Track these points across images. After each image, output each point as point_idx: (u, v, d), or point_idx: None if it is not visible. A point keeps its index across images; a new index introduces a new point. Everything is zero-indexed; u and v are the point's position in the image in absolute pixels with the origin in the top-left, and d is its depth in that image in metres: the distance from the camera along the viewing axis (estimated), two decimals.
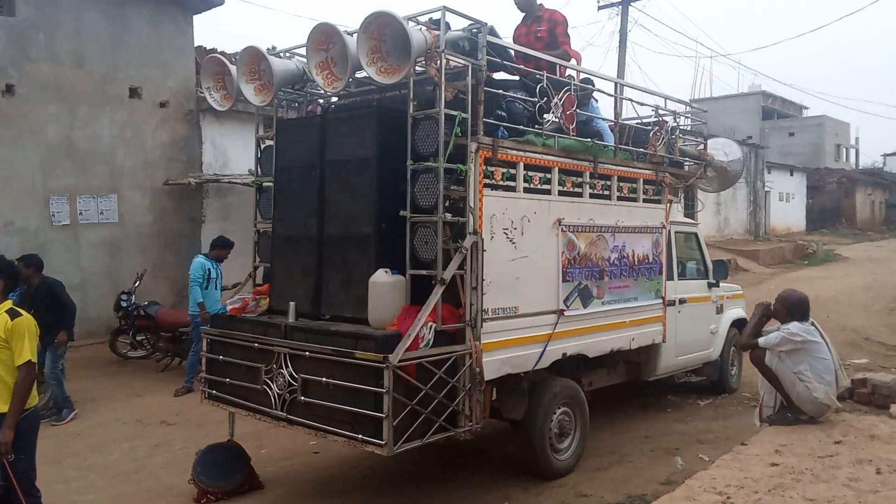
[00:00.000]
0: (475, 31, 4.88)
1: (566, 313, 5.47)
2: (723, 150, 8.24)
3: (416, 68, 4.62)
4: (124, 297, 9.78)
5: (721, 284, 7.98)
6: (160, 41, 12.25)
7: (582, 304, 5.67)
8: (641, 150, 6.52)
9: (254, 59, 5.30)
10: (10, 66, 10.48)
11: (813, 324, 5.29)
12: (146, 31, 12.04)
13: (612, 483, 5.35)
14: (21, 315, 4.01)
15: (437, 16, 4.62)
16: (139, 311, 9.58)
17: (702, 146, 7.79)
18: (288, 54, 5.53)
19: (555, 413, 5.45)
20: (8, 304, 4.08)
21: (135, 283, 10.10)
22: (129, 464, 5.99)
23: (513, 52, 5.56)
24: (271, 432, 6.23)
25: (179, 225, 12.47)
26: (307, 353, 4.56)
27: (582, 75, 6.16)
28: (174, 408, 7.65)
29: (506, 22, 6.36)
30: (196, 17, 12.87)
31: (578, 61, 6.30)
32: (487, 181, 4.87)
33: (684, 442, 6.35)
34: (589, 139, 5.81)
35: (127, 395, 8.33)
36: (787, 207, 33.98)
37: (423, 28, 4.56)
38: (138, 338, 9.83)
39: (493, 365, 4.83)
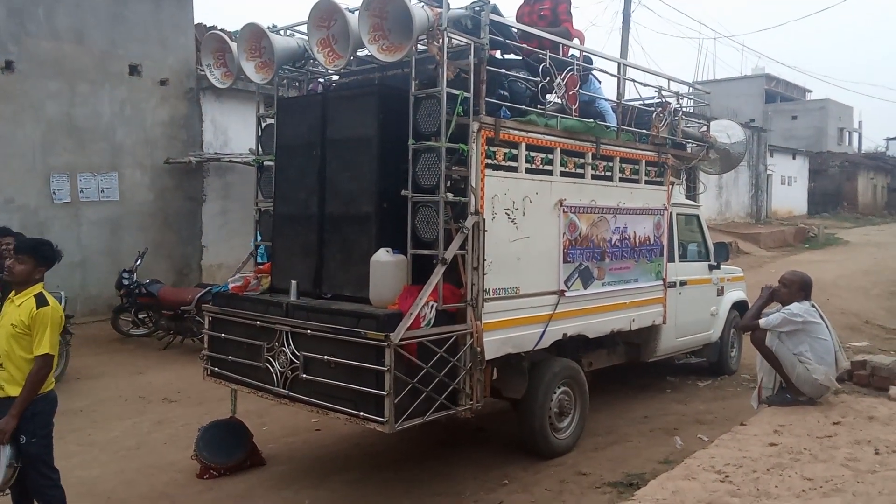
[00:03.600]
0: (477, 9, 4.83)
1: (567, 294, 5.48)
2: (725, 132, 8.21)
3: (418, 46, 4.58)
4: (126, 274, 9.81)
5: (722, 267, 7.98)
6: (160, 18, 12.15)
7: (582, 284, 5.67)
8: (644, 131, 6.50)
9: (254, 37, 5.26)
10: (9, 42, 10.41)
11: (813, 305, 5.31)
12: (146, 7, 11.94)
13: (610, 462, 5.39)
14: (48, 304, 3.89)
15: None
16: (141, 289, 9.60)
17: (704, 128, 7.75)
18: (289, 32, 5.49)
19: (555, 393, 5.48)
20: (38, 287, 3.96)
21: (136, 261, 10.11)
22: (132, 440, 6.04)
23: (515, 31, 5.51)
24: (273, 410, 6.27)
25: (180, 203, 12.46)
26: (309, 331, 4.57)
27: (583, 54, 6.11)
28: (176, 385, 7.69)
29: (508, 1, 6.31)
30: None
31: (581, 41, 6.25)
32: (489, 161, 4.86)
33: (683, 422, 6.39)
34: (591, 120, 5.79)
35: (129, 372, 8.37)
36: (789, 191, 33.90)
37: (425, 6, 4.52)
38: (140, 316, 9.86)
39: (494, 344, 4.85)
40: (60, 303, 7.90)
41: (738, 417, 5.73)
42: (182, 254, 12.54)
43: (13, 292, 4.01)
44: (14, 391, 3.84)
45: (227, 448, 5.30)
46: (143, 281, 9.75)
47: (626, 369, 7.31)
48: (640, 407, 6.93)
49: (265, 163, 5.87)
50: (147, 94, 11.97)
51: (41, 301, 3.88)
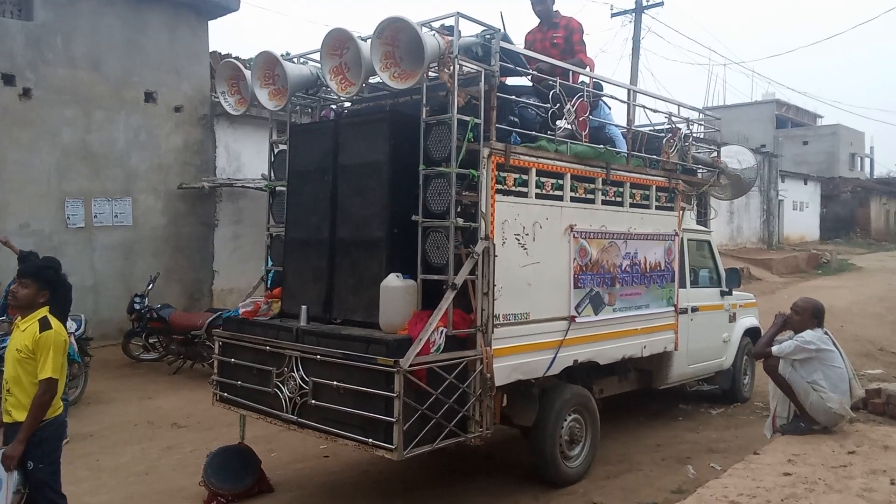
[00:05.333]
0: (488, 36, 4.89)
1: (577, 320, 5.45)
2: (736, 157, 8.21)
3: (429, 74, 4.63)
4: (137, 299, 9.85)
5: (734, 293, 7.93)
6: (176, 46, 12.35)
7: (593, 310, 5.65)
8: (654, 157, 6.51)
9: (268, 64, 5.34)
10: (27, 70, 10.60)
11: (826, 333, 5.25)
12: (162, 35, 12.15)
13: (622, 491, 5.32)
14: (51, 328, 3.86)
15: (450, 22, 4.64)
16: (152, 314, 9.64)
17: (715, 154, 7.76)
18: (302, 59, 5.56)
19: (565, 420, 5.43)
20: (43, 311, 3.93)
21: (148, 285, 10.16)
22: (140, 465, 6.02)
23: (525, 58, 5.56)
24: (282, 436, 6.24)
25: (192, 229, 12.55)
26: (318, 356, 4.57)
27: (593, 81, 6.16)
28: (185, 410, 7.69)
29: (517, 26, 6.38)
30: (211, 23, 12.98)
31: (591, 68, 6.31)
32: (499, 187, 4.87)
33: (695, 451, 6.31)
34: (601, 146, 5.81)
35: (139, 397, 8.38)
36: (801, 216, 33.73)
37: (437, 34, 4.57)
38: (151, 340, 9.88)
39: (504, 371, 4.82)
40: (80, 326, 8.10)
41: (751, 446, 5.64)
42: (194, 278, 12.60)
43: (19, 317, 4.02)
44: (21, 416, 3.82)
45: (236, 474, 5.27)
46: (154, 305, 9.79)
47: (638, 396, 7.24)
48: (652, 435, 6.85)
49: (277, 188, 5.92)
50: (162, 120, 12.13)
51: (44, 325, 3.86)
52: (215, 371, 5.50)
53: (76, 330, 7.85)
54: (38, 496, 3.86)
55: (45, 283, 3.98)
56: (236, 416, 5.51)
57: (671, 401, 7.88)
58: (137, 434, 6.95)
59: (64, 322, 4.07)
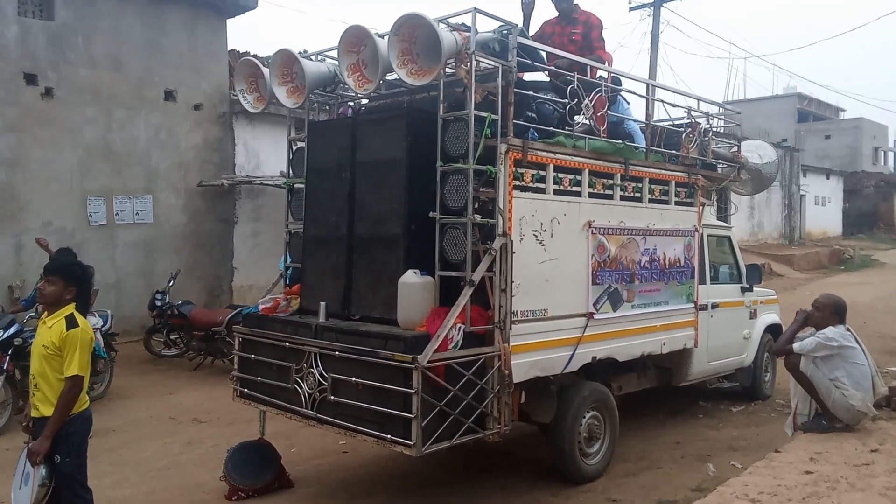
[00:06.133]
0: (505, 32, 4.87)
1: (596, 316, 5.43)
2: (757, 152, 8.12)
3: (446, 70, 4.62)
4: (158, 296, 9.96)
5: (755, 289, 7.85)
6: (195, 45, 12.45)
7: (612, 307, 5.62)
8: (673, 152, 6.46)
9: (286, 62, 5.36)
10: (48, 69, 10.74)
11: (848, 329, 5.19)
12: (181, 34, 12.25)
13: (641, 489, 5.29)
14: (78, 326, 3.90)
15: (467, 18, 4.63)
16: (173, 310, 9.74)
17: (735, 148, 7.68)
18: (319, 57, 5.58)
19: (584, 417, 5.41)
20: (69, 308, 3.97)
21: (169, 282, 10.27)
22: (162, 460, 6.09)
23: (543, 54, 5.54)
24: (301, 431, 6.28)
25: (212, 226, 12.66)
26: (337, 352, 4.59)
27: (612, 76, 6.12)
28: (206, 406, 7.77)
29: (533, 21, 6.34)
30: (229, 21, 13.06)
31: (609, 63, 6.27)
32: (517, 183, 4.86)
33: (716, 448, 6.26)
34: (620, 141, 5.77)
35: (160, 392, 8.48)
36: (823, 211, 33.31)
37: (454, 30, 4.56)
38: (172, 336, 9.99)
39: (522, 367, 4.81)
40: (106, 321, 8.24)
41: (772, 444, 5.59)
42: (214, 275, 12.71)
43: (46, 314, 4.07)
44: (48, 411, 3.87)
45: (256, 470, 5.32)
46: (175, 302, 9.90)
47: (658, 394, 7.20)
48: (671, 432, 6.80)
49: (296, 185, 5.95)
50: (181, 118, 12.24)
51: (71, 323, 3.90)
52: (235, 367, 5.55)
53: (102, 325, 8.00)
54: (65, 490, 3.91)
55: (72, 280, 4.03)
56: (256, 412, 5.56)
57: (691, 398, 7.83)
58: (159, 429, 7.03)
59: (85, 315, 4.11)
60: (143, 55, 11.77)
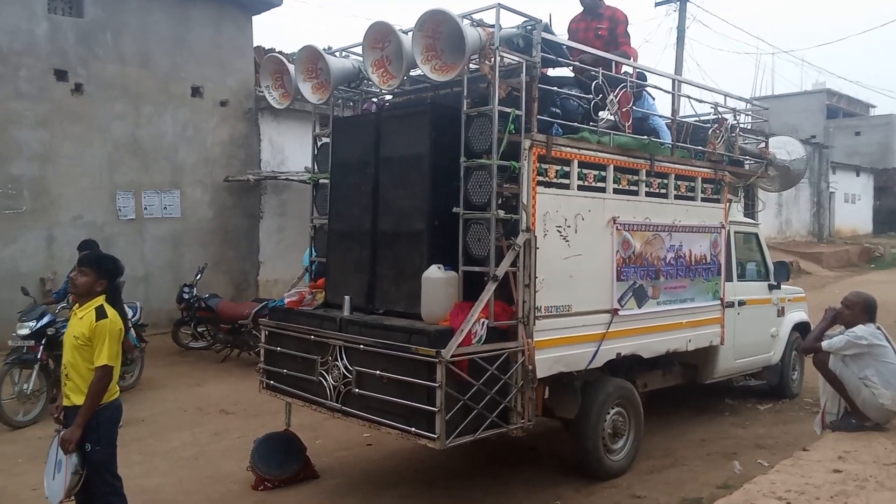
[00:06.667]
0: (529, 27, 4.86)
1: (620, 313, 5.41)
2: (785, 148, 8.01)
3: (470, 66, 4.63)
4: (186, 289, 10.10)
5: (783, 287, 7.76)
6: (221, 41, 12.59)
7: (637, 303, 5.59)
8: (700, 148, 6.40)
9: (311, 58, 5.41)
10: (78, 66, 10.93)
11: (879, 328, 5.11)
12: (208, 31, 12.39)
13: (666, 486, 5.27)
14: (107, 317, 3.97)
15: (491, 13, 4.63)
16: (200, 303, 9.87)
17: (763, 145, 7.59)
18: (343, 53, 5.61)
19: (608, 413, 5.40)
20: (99, 300, 4.04)
21: (196, 275, 10.41)
22: (190, 450, 6.19)
23: (567, 48, 5.52)
24: (326, 423, 6.34)
25: (238, 220, 12.81)
26: (361, 346, 4.63)
27: (637, 71, 6.08)
28: (233, 397, 7.88)
29: (560, 17, 6.32)
30: (255, 18, 13.18)
31: (634, 58, 6.23)
32: (541, 178, 4.86)
33: (742, 446, 6.21)
34: (645, 137, 5.73)
35: (188, 384, 8.62)
36: (853, 209, 32.72)
37: (478, 26, 4.57)
38: (199, 329, 10.13)
39: (546, 363, 4.81)
40: (135, 313, 8.41)
41: (799, 443, 5.54)
42: (240, 269, 12.86)
43: (77, 305, 4.16)
44: (79, 400, 3.95)
45: (282, 460, 5.39)
46: (202, 295, 10.03)
47: (683, 391, 7.15)
48: (697, 430, 6.76)
49: (320, 181, 6.00)
50: (208, 114, 12.39)
51: (100, 314, 3.97)
52: (262, 359, 5.61)
53: (132, 316, 8.16)
54: (96, 478, 3.99)
55: (103, 272, 4.11)
56: (282, 404, 5.63)
57: (717, 396, 7.76)
58: (187, 420, 7.15)
59: (117, 307, 4.19)
60: (170, 52, 11.93)
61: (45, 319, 7.09)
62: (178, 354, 10.15)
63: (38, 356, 6.91)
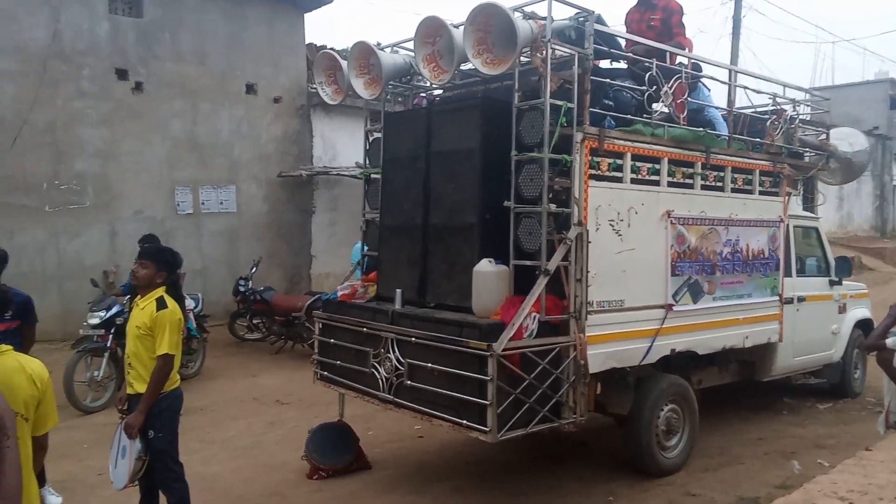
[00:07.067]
0: (582, 19, 4.81)
1: (675, 308, 5.33)
2: (847, 140, 7.74)
3: (522, 59, 4.61)
4: (242, 282, 10.36)
5: (844, 283, 7.51)
6: (274, 39, 12.81)
7: (692, 299, 5.50)
8: (758, 140, 6.24)
9: (364, 54, 5.47)
10: (138, 65, 11.27)
11: None
12: (261, 29, 12.62)
13: (722, 484, 5.18)
14: (167, 307, 4.10)
15: (543, 6, 4.59)
16: (255, 296, 10.11)
17: (824, 136, 7.35)
18: (393, 49, 5.65)
19: (662, 410, 5.33)
20: (160, 291, 4.18)
21: (251, 269, 10.66)
22: (247, 439, 6.36)
23: (622, 41, 5.45)
24: (378, 415, 6.42)
25: (291, 215, 13.04)
26: (413, 338, 4.67)
27: (692, 62, 5.96)
28: (287, 388, 8.05)
29: (612, 9, 6.23)
30: (306, 15, 13.35)
31: (690, 49, 6.11)
32: (593, 172, 4.81)
33: (801, 446, 6.05)
34: (701, 129, 5.62)
35: (244, 374, 8.85)
36: None
37: (530, 18, 4.54)
38: (254, 321, 10.39)
39: (598, 358, 4.77)
40: (198, 303, 8.67)
41: (861, 443, 5.37)
42: (293, 263, 13.10)
43: (139, 296, 4.31)
44: (142, 388, 4.10)
45: (336, 450, 5.48)
46: (257, 288, 10.26)
47: (739, 389, 7.00)
48: (753, 428, 6.61)
49: (372, 175, 6.06)
50: (262, 111, 12.63)
51: (161, 304, 4.11)
52: (315, 351, 5.72)
53: (194, 307, 8.46)
54: (158, 464, 4.14)
55: (162, 264, 4.25)
56: (335, 395, 5.72)
57: (775, 394, 7.58)
58: (243, 409, 7.34)
59: (177, 298, 4.32)
60: (226, 50, 12.19)
61: (114, 310, 7.38)
62: (235, 346, 10.42)
63: (108, 345, 7.21)
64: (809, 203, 10.95)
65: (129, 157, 11.20)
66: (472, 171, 4.92)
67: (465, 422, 4.31)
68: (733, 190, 5.92)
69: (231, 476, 5.44)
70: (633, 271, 5.06)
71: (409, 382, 4.69)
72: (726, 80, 6.29)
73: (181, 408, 4.31)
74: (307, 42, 13.51)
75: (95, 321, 7.34)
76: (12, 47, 10.11)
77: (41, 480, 4.31)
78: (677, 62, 5.78)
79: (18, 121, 10.12)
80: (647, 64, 5.19)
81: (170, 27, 11.59)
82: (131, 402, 4.19)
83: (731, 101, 6.20)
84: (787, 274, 6.58)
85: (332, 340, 5.47)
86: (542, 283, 4.48)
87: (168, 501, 4.22)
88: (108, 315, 7.31)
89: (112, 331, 7.26)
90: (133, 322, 4.22)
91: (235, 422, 6.87)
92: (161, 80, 11.48)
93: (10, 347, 2.47)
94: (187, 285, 9.04)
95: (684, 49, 5.93)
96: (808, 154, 7.13)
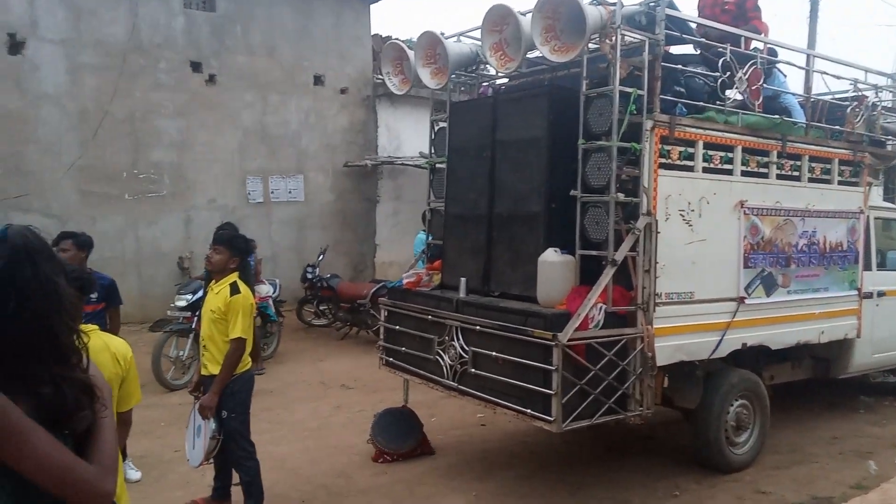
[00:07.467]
0: (652, 4, 4.71)
1: (747, 301, 5.18)
2: None
3: (590, 45, 4.54)
4: (309, 269, 10.61)
5: None
6: (341, 31, 12.99)
7: (765, 292, 5.34)
8: (837, 127, 5.99)
9: (430, 44, 5.49)
10: (211, 58, 11.63)
11: None
12: (329, 21, 12.82)
13: (794, 483, 5.03)
14: (240, 292, 4.24)
15: None
16: (322, 283, 10.34)
17: None
18: (457, 38, 5.65)
19: (732, 405, 5.21)
20: (233, 277, 4.32)
21: (319, 256, 10.90)
22: (314, 421, 6.53)
23: (694, 25, 5.30)
24: (441, 402, 6.49)
25: (357, 204, 13.25)
26: (478, 327, 4.70)
27: (767, 46, 5.75)
28: (352, 373, 8.21)
29: None
30: (372, 7, 13.48)
31: (766, 33, 5.90)
32: (663, 160, 4.71)
33: (878, 446, 5.82)
34: (777, 116, 5.43)
35: (311, 359, 9.08)
36: None
37: (599, 4, 4.47)
38: (321, 307, 10.63)
39: (666, 351, 4.69)
40: (275, 289, 8.97)
41: None
42: (358, 251, 13.33)
43: (213, 281, 4.47)
44: (215, 370, 4.27)
45: (400, 435, 5.57)
46: (324, 275, 10.49)
47: (813, 386, 6.76)
48: (827, 427, 6.38)
49: (437, 165, 6.09)
50: (329, 102, 12.85)
51: (234, 290, 4.25)
52: (381, 337, 5.81)
53: (272, 293, 8.77)
54: (231, 443, 4.31)
55: (235, 250, 4.40)
56: (399, 381, 5.81)
57: (851, 392, 7.29)
58: (311, 393, 7.53)
59: (250, 284, 4.46)
60: (294, 42, 12.44)
61: (200, 293, 7.69)
62: (302, 331, 10.69)
63: (193, 326, 7.52)
64: (891, 194, 10.44)
65: (203, 148, 11.58)
66: (538, 160, 4.89)
67: (529, 411, 4.31)
68: (810, 180, 5.70)
69: (300, 456, 5.60)
70: (703, 263, 4.94)
71: (473, 370, 4.72)
72: (804, 65, 6.05)
73: (252, 389, 4.46)
74: (373, 33, 13.65)
75: (182, 303, 7.74)
76: (94, 42, 10.58)
77: (123, 455, 4.53)
78: (752, 47, 5.59)
79: (100, 112, 10.59)
80: (720, 49, 5.04)
81: (241, 21, 11.90)
82: (205, 383, 4.36)
83: (808, 88, 5.96)
84: (867, 267, 6.30)
85: (397, 327, 5.55)
86: (608, 273, 4.42)
87: (240, 479, 4.39)
88: (194, 298, 7.63)
89: (197, 313, 7.56)
90: (208, 306, 4.38)
91: (303, 404, 7.07)
92: (232, 72, 11.81)
93: (95, 327, 2.61)
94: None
95: (760, 33, 5.73)
96: (890, 142, 6.79)
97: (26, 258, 1.34)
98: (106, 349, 2.58)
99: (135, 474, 5.08)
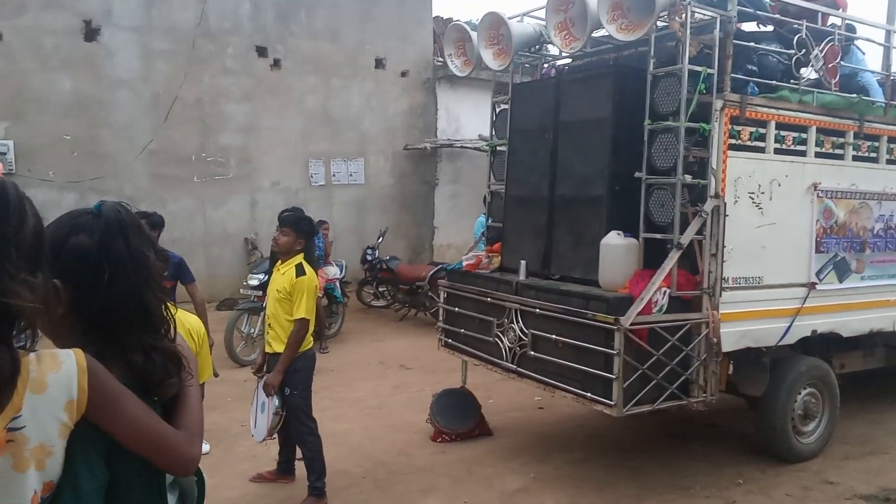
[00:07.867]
0: None
1: (818, 287, 5.02)
2: None
3: (658, 23, 4.44)
4: (369, 251, 10.76)
5: None
6: (402, 14, 13.01)
7: (837, 277, 5.16)
8: None
9: (493, 25, 5.45)
10: (277, 42, 11.82)
11: None
12: (390, 4, 12.85)
13: (864, 474, 4.87)
14: (305, 274, 4.34)
15: None
16: (382, 265, 10.46)
17: None
18: (519, 18, 5.58)
19: (799, 394, 5.06)
20: (299, 258, 4.42)
21: (378, 238, 11.03)
22: (374, 400, 6.65)
23: (768, 1, 5.11)
24: (498, 384, 6.51)
25: (416, 187, 13.32)
26: (538, 310, 4.68)
27: (845, 22, 5.50)
28: (411, 354, 8.32)
29: None
30: None
31: (844, 8, 5.64)
32: (733, 141, 4.58)
33: None
34: (854, 95, 5.20)
35: (371, 339, 9.24)
36: None
37: None
38: (380, 289, 10.77)
39: (732, 337, 4.59)
40: (342, 271, 9.16)
41: None
42: (417, 234, 13.42)
43: (279, 262, 4.58)
44: (280, 348, 4.39)
45: (459, 416, 5.63)
46: (383, 257, 10.62)
47: (887, 376, 6.49)
48: None
49: (498, 147, 6.07)
50: (390, 85, 12.91)
51: (300, 271, 4.35)
52: (440, 319, 5.86)
53: (339, 274, 8.98)
54: (294, 419, 4.44)
55: (301, 232, 4.50)
56: (457, 362, 5.85)
57: None
58: (371, 372, 7.67)
59: (315, 266, 4.56)
60: (357, 26, 12.52)
61: None
62: (362, 311, 10.86)
63: (264, 305, 7.74)
64: None
65: (268, 132, 11.82)
66: (602, 141, 4.82)
67: (589, 394, 4.29)
68: (888, 161, 5.46)
69: (361, 433, 5.72)
70: (773, 247, 4.80)
71: (532, 353, 4.72)
72: (883, 41, 5.76)
73: (314, 368, 4.57)
74: (434, 15, 13.62)
75: (255, 283, 7.99)
76: (165, 28, 10.89)
77: None
78: (829, 23, 5.36)
79: (170, 97, 10.92)
80: (795, 26, 4.86)
81: (305, 5, 12.04)
82: (269, 361, 4.50)
83: (888, 65, 5.68)
84: None
85: (456, 309, 5.58)
86: (673, 257, 4.35)
87: (303, 454, 4.52)
88: (266, 278, 7.85)
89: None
90: (273, 286, 4.51)
91: (364, 383, 7.20)
92: (297, 57, 11.97)
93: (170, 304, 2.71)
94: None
95: (838, 9, 5.49)
96: None
97: (119, 232, 1.40)
98: (181, 325, 2.67)
99: (204, 447, 5.28)
